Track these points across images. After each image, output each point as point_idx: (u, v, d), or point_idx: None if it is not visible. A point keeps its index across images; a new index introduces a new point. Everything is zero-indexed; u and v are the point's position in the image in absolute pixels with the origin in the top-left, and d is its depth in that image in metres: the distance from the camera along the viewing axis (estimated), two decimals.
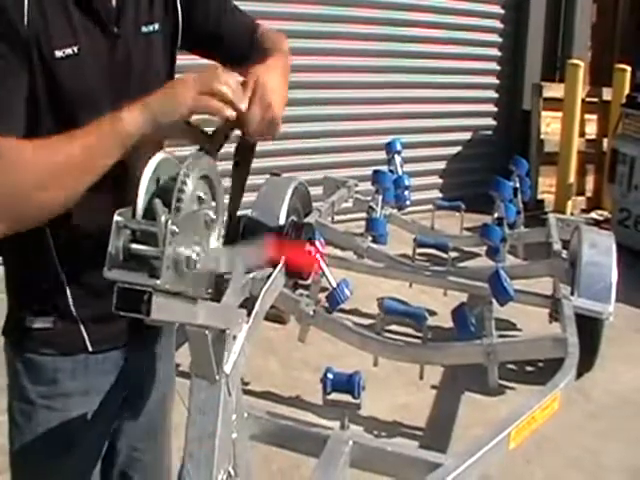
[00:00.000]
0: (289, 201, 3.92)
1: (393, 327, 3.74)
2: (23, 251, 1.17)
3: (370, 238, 4.05)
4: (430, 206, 5.05)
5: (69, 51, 1.09)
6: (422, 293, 4.11)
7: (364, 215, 4.39)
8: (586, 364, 3.26)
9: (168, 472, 1.58)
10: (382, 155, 4.84)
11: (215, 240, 0.99)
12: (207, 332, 1.02)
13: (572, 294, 3.33)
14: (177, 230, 0.87)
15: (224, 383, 1.08)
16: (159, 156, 0.96)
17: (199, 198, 0.96)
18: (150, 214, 0.92)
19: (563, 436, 2.94)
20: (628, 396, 3.48)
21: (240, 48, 1.32)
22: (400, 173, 4.60)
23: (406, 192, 4.60)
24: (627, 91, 6.14)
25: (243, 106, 1.06)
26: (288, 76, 1.24)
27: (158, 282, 0.86)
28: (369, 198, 4.38)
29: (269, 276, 1.28)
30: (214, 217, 0.97)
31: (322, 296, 3.47)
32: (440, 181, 6.43)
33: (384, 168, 4.51)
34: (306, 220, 3.86)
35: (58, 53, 1.08)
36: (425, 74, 6.13)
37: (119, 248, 0.89)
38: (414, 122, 6.11)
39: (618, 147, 5.63)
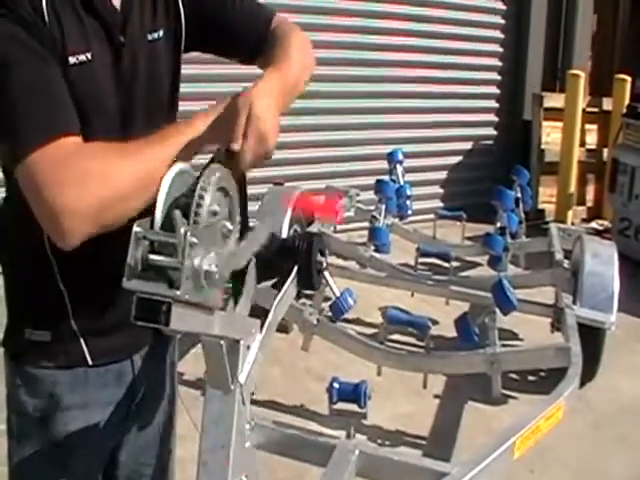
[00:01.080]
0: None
1: (395, 336, 3.75)
2: (24, 264, 1.16)
3: (373, 247, 4.07)
4: (431, 215, 5.07)
5: (82, 58, 1.10)
6: (423, 302, 4.11)
7: (366, 224, 4.41)
8: (588, 374, 3.26)
9: None
10: (383, 165, 4.86)
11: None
12: (222, 342, 1.03)
13: (574, 303, 3.34)
14: (196, 241, 0.88)
15: (239, 393, 1.09)
16: (176, 168, 0.97)
17: (214, 211, 0.97)
18: (167, 225, 0.93)
19: (566, 446, 2.95)
20: (630, 405, 3.48)
21: (248, 42, 1.30)
22: (402, 183, 4.63)
23: (408, 202, 4.63)
24: (627, 101, 6.17)
25: (236, 146, 1.04)
26: (291, 85, 1.20)
27: (178, 292, 0.87)
28: (371, 207, 4.40)
29: (276, 286, 1.29)
30: (230, 228, 0.98)
31: (325, 305, 3.48)
32: (441, 191, 6.44)
33: (386, 178, 4.54)
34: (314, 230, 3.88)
35: (72, 59, 1.09)
36: (426, 84, 6.16)
37: (138, 259, 0.90)
38: (415, 132, 6.14)
39: (619, 157, 5.65)
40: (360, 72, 5.67)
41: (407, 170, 4.81)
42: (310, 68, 1.33)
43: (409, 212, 4.70)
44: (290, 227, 4.29)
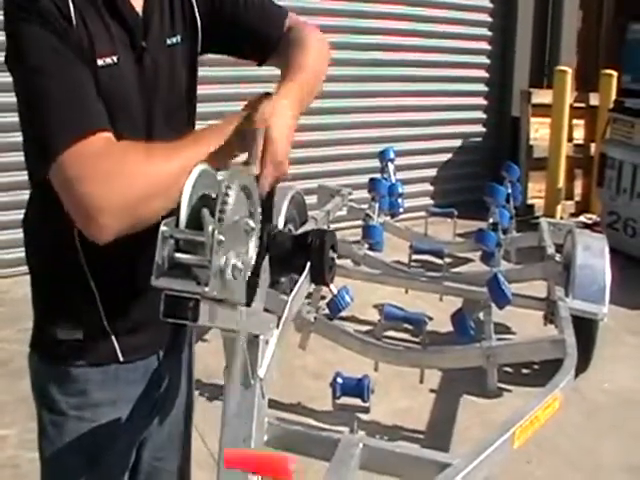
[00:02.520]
0: (286, 210, 3.96)
1: (390, 333, 3.79)
2: (54, 265, 1.18)
3: (366, 245, 4.11)
4: (421, 213, 5.11)
5: (109, 60, 1.13)
6: (417, 299, 4.15)
7: (358, 223, 4.44)
8: (581, 365, 3.31)
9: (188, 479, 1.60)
10: (374, 163, 4.90)
11: (254, 248, 1.03)
12: (243, 337, 1.06)
13: (567, 296, 3.40)
14: (223, 239, 0.91)
15: (258, 387, 1.12)
16: (199, 167, 1.00)
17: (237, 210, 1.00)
18: (192, 224, 0.96)
19: (561, 436, 3.00)
20: (623, 395, 3.54)
21: (262, 41, 1.33)
22: (394, 181, 4.67)
23: (399, 199, 4.68)
24: (614, 96, 6.24)
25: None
26: (310, 88, 1.25)
27: (207, 289, 0.90)
28: (363, 206, 4.44)
29: (272, 286, 1.32)
30: (253, 226, 1.01)
31: (322, 303, 3.52)
32: (431, 188, 6.49)
33: (378, 176, 4.58)
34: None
35: (100, 62, 1.11)
36: (415, 82, 6.20)
37: (165, 257, 0.93)
38: (405, 130, 6.17)
39: (606, 151, 5.71)
40: (350, 72, 5.68)
41: (397, 168, 4.85)
42: (324, 71, 1.36)
43: (400, 210, 4.75)
44: (285, 225, 4.31)
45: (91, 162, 1.02)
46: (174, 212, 0.97)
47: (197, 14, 1.29)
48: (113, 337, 1.27)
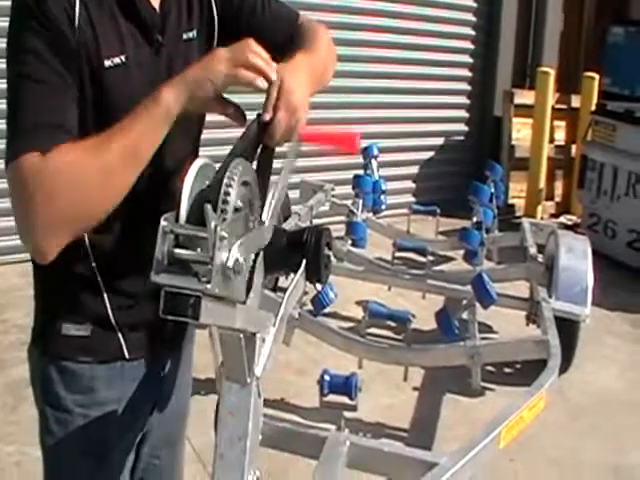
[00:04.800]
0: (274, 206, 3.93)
1: (372, 330, 3.78)
2: (60, 259, 1.17)
3: (350, 242, 4.10)
4: (404, 210, 5.10)
5: (117, 60, 1.11)
6: (399, 296, 4.16)
7: (340, 219, 4.43)
8: (563, 365, 3.34)
9: (181, 477, 1.59)
10: (357, 159, 4.88)
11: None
12: (241, 335, 1.04)
13: (550, 297, 3.42)
14: (226, 235, 0.89)
15: (255, 385, 1.10)
16: (199, 162, 0.98)
17: (239, 207, 0.98)
18: (192, 219, 0.94)
19: (544, 435, 3.01)
20: (603, 396, 3.57)
21: (277, 42, 1.32)
22: (377, 177, 4.67)
23: (382, 196, 4.68)
24: (595, 98, 6.29)
25: (274, 76, 1.09)
26: (320, 72, 1.26)
27: (209, 286, 0.88)
28: (345, 202, 4.43)
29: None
30: (252, 219, 0.99)
31: (306, 299, 3.50)
32: (412, 185, 6.50)
33: (360, 172, 4.58)
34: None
35: (107, 62, 1.10)
36: (398, 79, 6.19)
37: (164, 253, 0.91)
38: (387, 127, 6.16)
39: (588, 153, 5.75)
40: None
41: (380, 165, 4.84)
42: (335, 61, 1.38)
43: (383, 207, 4.75)
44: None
45: (23, 180, 1.01)
46: (174, 207, 0.94)
47: (215, 9, 1.28)
48: (120, 333, 1.25)
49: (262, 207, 1.08)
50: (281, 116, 1.09)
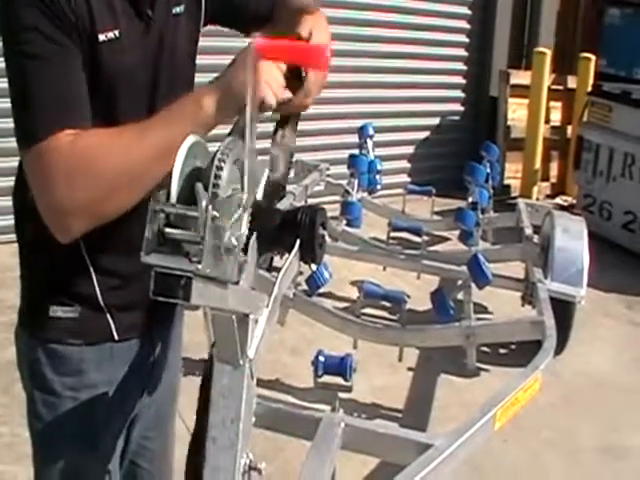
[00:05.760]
0: (264, 184, 3.90)
1: (367, 310, 3.77)
2: (48, 242, 1.16)
3: (344, 222, 4.08)
4: (399, 190, 5.08)
5: (111, 35, 1.10)
6: (394, 276, 4.14)
7: (335, 199, 4.41)
8: (558, 346, 3.34)
9: (172, 459, 1.58)
10: (352, 138, 4.84)
11: (246, 224, 0.98)
12: (233, 317, 1.02)
13: (545, 278, 3.40)
14: (217, 215, 0.87)
15: (247, 367, 1.09)
16: (190, 140, 0.95)
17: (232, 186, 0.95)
18: (183, 198, 0.91)
19: (538, 417, 3.01)
20: (598, 378, 3.58)
21: (261, 13, 1.36)
22: (372, 157, 4.64)
23: (377, 176, 4.64)
24: (591, 79, 6.25)
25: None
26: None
27: (200, 267, 0.85)
28: (341, 182, 4.40)
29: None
30: (245, 198, 0.96)
31: (301, 279, 3.48)
32: (408, 165, 6.46)
33: (355, 152, 4.54)
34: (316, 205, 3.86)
35: (101, 37, 1.09)
36: (394, 59, 6.14)
37: (155, 232, 0.89)
38: (383, 107, 6.12)
39: (584, 134, 5.72)
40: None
41: (375, 144, 4.81)
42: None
43: (378, 187, 4.72)
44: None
45: (54, 162, 1.01)
46: (164, 185, 0.92)
47: None
48: (108, 315, 1.24)
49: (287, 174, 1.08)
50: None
